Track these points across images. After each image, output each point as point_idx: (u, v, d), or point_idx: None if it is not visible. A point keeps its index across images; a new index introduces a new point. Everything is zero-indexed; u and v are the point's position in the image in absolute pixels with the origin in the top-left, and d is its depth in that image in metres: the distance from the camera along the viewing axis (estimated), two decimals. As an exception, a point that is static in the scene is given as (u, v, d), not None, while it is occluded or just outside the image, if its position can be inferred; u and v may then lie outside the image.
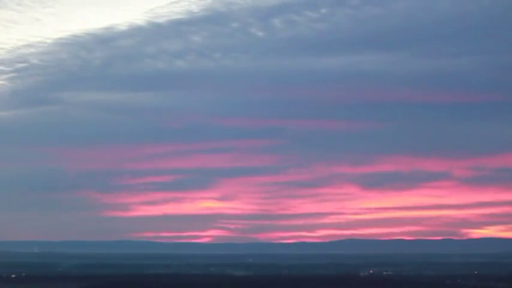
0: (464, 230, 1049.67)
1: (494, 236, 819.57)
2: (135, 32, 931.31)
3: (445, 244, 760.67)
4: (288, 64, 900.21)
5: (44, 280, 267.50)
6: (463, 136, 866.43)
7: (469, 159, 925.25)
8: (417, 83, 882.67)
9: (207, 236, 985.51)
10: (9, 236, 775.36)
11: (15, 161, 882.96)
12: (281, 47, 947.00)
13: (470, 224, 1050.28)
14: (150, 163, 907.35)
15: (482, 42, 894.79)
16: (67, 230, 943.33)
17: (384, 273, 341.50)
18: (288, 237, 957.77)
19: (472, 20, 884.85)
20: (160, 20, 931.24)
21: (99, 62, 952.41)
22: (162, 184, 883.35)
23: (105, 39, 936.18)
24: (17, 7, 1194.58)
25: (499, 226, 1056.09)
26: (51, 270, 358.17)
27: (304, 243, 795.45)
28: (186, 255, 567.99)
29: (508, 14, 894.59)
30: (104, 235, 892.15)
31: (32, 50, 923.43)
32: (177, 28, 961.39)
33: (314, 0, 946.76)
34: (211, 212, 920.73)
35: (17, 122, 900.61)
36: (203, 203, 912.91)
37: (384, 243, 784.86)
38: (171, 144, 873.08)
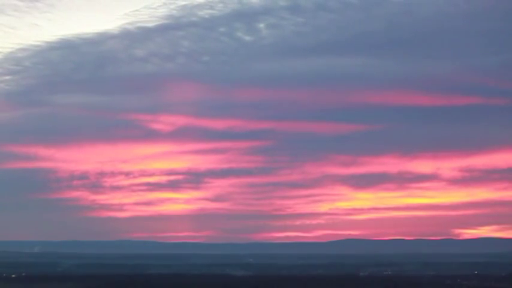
0: (459, 230, 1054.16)
1: (491, 236, 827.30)
2: (125, 36, 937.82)
3: (443, 244, 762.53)
4: (276, 67, 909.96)
5: (44, 280, 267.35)
6: (451, 137, 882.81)
7: (459, 160, 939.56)
8: (402, 86, 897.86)
9: (202, 236, 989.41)
10: (9, 236, 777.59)
11: (11, 161, 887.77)
12: (268, 50, 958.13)
13: (465, 224, 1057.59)
14: (143, 164, 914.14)
15: (464, 45, 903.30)
16: (67, 230, 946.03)
17: (384, 273, 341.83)
18: (284, 237, 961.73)
19: (454, 24, 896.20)
20: (149, 25, 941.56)
21: (91, 65, 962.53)
22: (157, 185, 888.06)
23: (96, 43, 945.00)
24: (14, 13, 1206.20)
25: (494, 226, 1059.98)
26: (51, 270, 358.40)
27: (301, 244, 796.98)
28: (183, 255, 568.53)
29: (489, 17, 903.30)
30: (102, 235, 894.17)
31: (26, 53, 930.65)
32: (165, 32, 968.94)
33: (297, 6, 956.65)
34: (206, 212, 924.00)
35: (13, 123, 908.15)
36: (197, 204, 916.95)
37: (383, 243, 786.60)
38: (164, 145, 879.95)
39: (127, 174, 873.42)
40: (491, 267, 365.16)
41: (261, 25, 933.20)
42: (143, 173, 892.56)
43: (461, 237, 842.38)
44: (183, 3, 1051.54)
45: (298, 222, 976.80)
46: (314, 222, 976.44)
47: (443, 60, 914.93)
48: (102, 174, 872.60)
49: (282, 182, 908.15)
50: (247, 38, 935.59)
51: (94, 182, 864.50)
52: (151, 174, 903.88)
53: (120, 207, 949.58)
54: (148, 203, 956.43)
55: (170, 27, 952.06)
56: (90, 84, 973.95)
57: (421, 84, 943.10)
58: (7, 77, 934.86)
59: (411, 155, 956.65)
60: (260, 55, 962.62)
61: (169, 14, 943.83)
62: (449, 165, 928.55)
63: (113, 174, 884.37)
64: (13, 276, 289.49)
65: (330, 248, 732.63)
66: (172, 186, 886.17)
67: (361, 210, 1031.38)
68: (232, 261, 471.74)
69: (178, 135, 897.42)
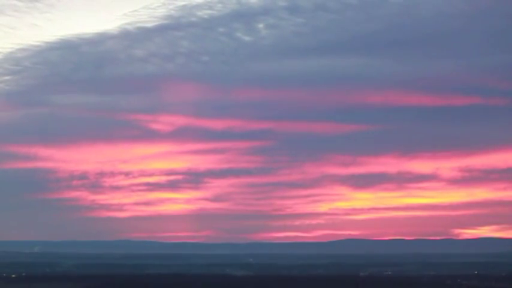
0: (459, 230, 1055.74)
1: (491, 236, 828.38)
2: (124, 36, 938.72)
3: (443, 244, 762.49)
4: (276, 67, 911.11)
5: (44, 280, 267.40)
6: (451, 137, 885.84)
7: (459, 160, 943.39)
8: (402, 86, 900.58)
9: (202, 236, 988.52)
10: (9, 236, 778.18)
11: (11, 161, 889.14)
12: (267, 50, 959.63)
13: (464, 225, 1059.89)
14: (142, 164, 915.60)
15: (464, 45, 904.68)
16: (66, 230, 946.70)
17: (384, 273, 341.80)
18: (283, 237, 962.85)
19: (453, 24, 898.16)
20: (149, 25, 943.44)
21: (90, 65, 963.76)
22: (156, 185, 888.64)
23: (96, 43, 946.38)
24: (14, 13, 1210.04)
25: (493, 226, 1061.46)
26: (51, 270, 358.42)
27: (301, 244, 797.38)
28: (182, 255, 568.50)
29: (488, 17, 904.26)
30: (102, 235, 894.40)
31: (26, 53, 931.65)
32: (164, 32, 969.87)
33: (296, 6, 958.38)
34: (205, 212, 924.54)
35: (13, 123, 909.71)
36: (197, 204, 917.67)
37: (383, 243, 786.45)
38: (163, 145, 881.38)
39: (126, 174, 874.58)
40: (491, 267, 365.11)
41: (260, 25, 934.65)
42: (143, 173, 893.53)
43: (461, 237, 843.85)
44: (182, 3, 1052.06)
45: (297, 222, 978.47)
46: (314, 222, 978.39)
47: (443, 60, 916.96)
48: (101, 174, 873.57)
49: (281, 182, 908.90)
50: (247, 38, 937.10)
51: (94, 182, 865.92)
52: (151, 174, 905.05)
53: (120, 207, 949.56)
54: (148, 203, 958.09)
55: (169, 28, 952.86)
56: (89, 85, 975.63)
57: (421, 84, 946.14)
58: (7, 77, 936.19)
59: (411, 155, 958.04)
60: (259, 55, 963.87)
61: (169, 15, 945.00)
62: (448, 165, 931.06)
63: (112, 174, 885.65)
64: (13, 276, 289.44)
65: (329, 248, 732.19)
66: (171, 186, 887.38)
67: (360, 210, 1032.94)
68: (232, 261, 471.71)
69: (178, 135, 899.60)
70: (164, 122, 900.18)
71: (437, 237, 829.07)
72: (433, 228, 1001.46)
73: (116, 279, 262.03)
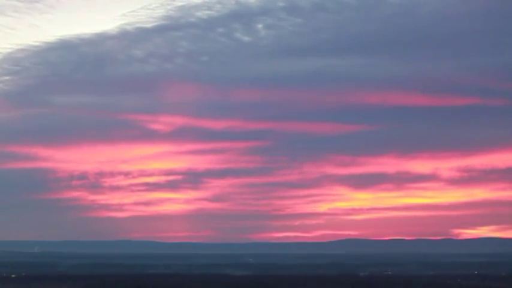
0: (458, 230, 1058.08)
1: (490, 236, 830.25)
2: (123, 36, 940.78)
3: (443, 244, 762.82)
4: (275, 67, 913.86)
5: (44, 280, 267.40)
6: (450, 138, 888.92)
7: (458, 160, 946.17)
8: (401, 86, 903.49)
9: (202, 236, 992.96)
10: (9, 236, 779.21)
11: (12, 161, 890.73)
12: (266, 51, 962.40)
13: (464, 224, 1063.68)
14: (142, 164, 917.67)
15: (464, 45, 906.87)
16: (67, 230, 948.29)
17: (384, 273, 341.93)
18: (283, 237, 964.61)
19: (453, 24, 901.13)
20: (147, 25, 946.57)
21: (90, 65, 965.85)
22: (156, 185, 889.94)
23: (95, 44, 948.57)
24: (14, 13, 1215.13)
25: (492, 226, 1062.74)
26: (51, 270, 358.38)
27: (301, 244, 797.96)
28: (182, 255, 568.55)
29: (488, 18, 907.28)
30: (102, 235, 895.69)
31: (26, 54, 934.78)
32: (163, 33, 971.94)
33: (295, 6, 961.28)
34: (205, 212, 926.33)
35: (13, 123, 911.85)
36: (196, 204, 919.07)
37: (383, 243, 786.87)
38: (163, 145, 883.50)
39: (126, 174, 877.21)
40: (491, 267, 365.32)
41: (259, 26, 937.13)
42: (142, 173, 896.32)
43: (460, 237, 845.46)
44: (181, 4, 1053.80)
45: (297, 222, 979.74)
46: (313, 222, 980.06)
47: (443, 60, 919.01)
48: (101, 174, 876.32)
49: (281, 182, 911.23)
50: (246, 38, 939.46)
51: (93, 182, 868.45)
52: (151, 174, 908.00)
53: (120, 207, 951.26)
54: (147, 203, 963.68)
55: (168, 28, 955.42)
56: (89, 85, 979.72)
57: (420, 85, 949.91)
58: (6, 78, 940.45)
59: (410, 155, 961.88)
60: (258, 56, 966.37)
61: (167, 15, 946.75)
62: (447, 165, 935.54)
63: (112, 174, 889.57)
64: (13, 276, 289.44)
65: (329, 248, 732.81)
66: (171, 186, 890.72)
67: (360, 210, 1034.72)
68: (232, 261, 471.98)
69: (177, 135, 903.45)
70: (164, 122, 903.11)
71: (437, 237, 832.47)
72: (433, 228, 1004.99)
73: (116, 279, 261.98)
